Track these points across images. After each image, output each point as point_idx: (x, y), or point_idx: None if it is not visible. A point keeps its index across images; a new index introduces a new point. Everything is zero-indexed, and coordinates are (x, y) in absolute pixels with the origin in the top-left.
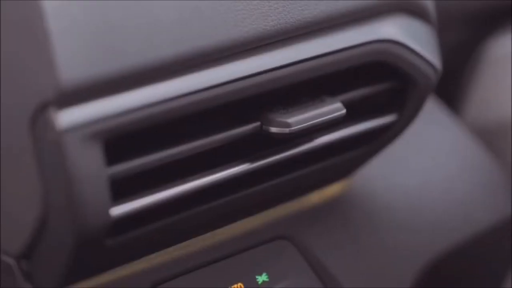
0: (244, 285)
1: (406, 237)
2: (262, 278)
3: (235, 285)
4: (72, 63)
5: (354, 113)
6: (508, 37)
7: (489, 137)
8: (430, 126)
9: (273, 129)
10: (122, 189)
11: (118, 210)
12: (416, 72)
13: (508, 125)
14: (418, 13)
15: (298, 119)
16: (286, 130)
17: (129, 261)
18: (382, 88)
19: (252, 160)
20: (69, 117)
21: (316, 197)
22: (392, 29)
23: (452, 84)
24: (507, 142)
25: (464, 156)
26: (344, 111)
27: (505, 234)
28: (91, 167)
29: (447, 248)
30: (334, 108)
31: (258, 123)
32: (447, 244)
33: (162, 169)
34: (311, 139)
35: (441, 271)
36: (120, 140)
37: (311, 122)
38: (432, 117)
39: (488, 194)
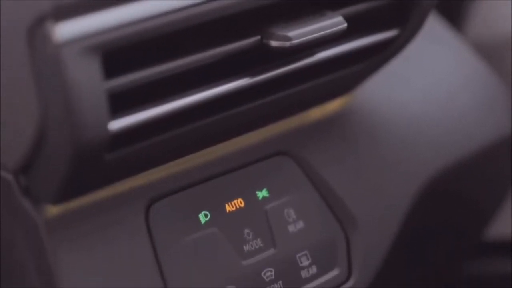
0: (244, 200)
1: (406, 153)
2: (262, 193)
3: (235, 201)
4: None
5: (355, 28)
6: None
7: (490, 53)
8: (432, 43)
9: (274, 43)
10: (122, 104)
11: (117, 124)
12: None
13: (509, 42)
14: None
15: (299, 33)
16: (287, 43)
17: (127, 176)
18: (384, 3)
19: (252, 75)
20: (66, 30)
21: (316, 112)
22: None
23: (453, 1)
24: (507, 58)
25: (465, 72)
26: (345, 25)
27: (505, 150)
28: (89, 80)
29: (448, 164)
30: (335, 22)
31: (258, 37)
32: (448, 160)
33: (162, 85)
34: (311, 53)
35: (441, 188)
36: (119, 55)
37: (311, 36)
38: (433, 34)
39: (489, 110)
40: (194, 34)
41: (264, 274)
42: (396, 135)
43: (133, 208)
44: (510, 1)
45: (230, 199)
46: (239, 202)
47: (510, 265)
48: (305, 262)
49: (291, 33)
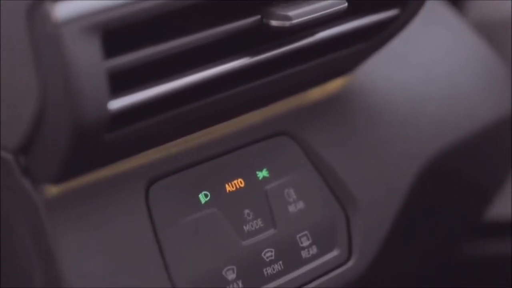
0: (244, 180)
1: (407, 133)
2: (262, 173)
3: (235, 181)
4: None
5: (355, 7)
6: None
7: (491, 34)
8: (432, 23)
9: (274, 22)
10: (122, 84)
11: (116, 104)
12: None
13: (509, 22)
14: None
15: (299, 12)
16: (287, 23)
17: (127, 156)
18: None
19: (252, 54)
20: (65, 9)
21: (317, 93)
22: None
23: None
24: (508, 39)
25: (466, 53)
26: (345, 4)
27: (505, 131)
28: (89, 60)
29: (448, 144)
30: (335, 2)
31: (258, 17)
32: (448, 140)
33: (162, 65)
34: (312, 33)
35: (442, 168)
36: (119, 35)
37: (312, 16)
38: (434, 14)
39: (489, 91)
40: (194, 13)
41: (264, 254)
42: (396, 115)
43: (133, 188)
44: None
45: (230, 179)
46: (239, 182)
47: (510, 246)
48: (305, 243)
49: (291, 13)
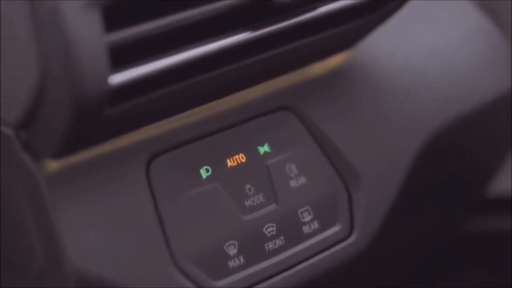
0: (245, 155)
1: (409, 108)
2: (263, 148)
3: (236, 156)
4: None
5: None
6: None
7: (492, 9)
8: None
9: None
10: (123, 59)
11: (117, 78)
12: None
13: None
14: None
15: None
16: None
17: (128, 131)
18: None
19: (253, 29)
20: None
21: (319, 68)
22: None
23: None
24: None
25: (468, 28)
26: None
27: (506, 106)
28: (89, 34)
29: (450, 119)
30: None
31: None
32: (450, 115)
33: (163, 40)
34: (312, 8)
35: (443, 143)
36: (121, 9)
37: None
38: None
39: (491, 66)
40: None
41: (266, 229)
42: (398, 90)
43: (134, 163)
44: None
45: (231, 154)
46: (240, 157)
47: (510, 222)
48: (307, 218)
49: None
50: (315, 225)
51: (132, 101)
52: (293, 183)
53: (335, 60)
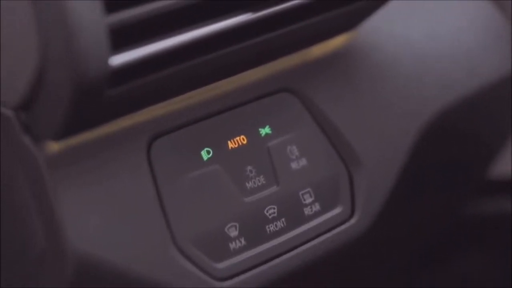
0: (246, 137)
1: (410, 90)
2: (265, 130)
3: (237, 138)
4: None
5: None
6: None
7: None
8: None
9: None
10: (124, 40)
11: (118, 60)
12: None
13: None
14: None
15: None
16: None
17: (129, 113)
18: None
19: (254, 11)
20: None
21: (319, 49)
22: None
23: None
24: None
25: (468, 10)
26: None
27: (507, 88)
28: (89, 15)
29: (451, 102)
30: None
31: None
32: (451, 98)
33: (163, 21)
34: None
35: (444, 126)
36: None
37: None
38: None
39: (492, 48)
40: None
41: (267, 211)
42: (399, 72)
43: (134, 145)
44: None
45: (232, 136)
46: (241, 139)
47: (510, 204)
48: (308, 200)
49: None
50: (316, 207)
51: (132, 83)
52: (294, 165)
53: (336, 42)
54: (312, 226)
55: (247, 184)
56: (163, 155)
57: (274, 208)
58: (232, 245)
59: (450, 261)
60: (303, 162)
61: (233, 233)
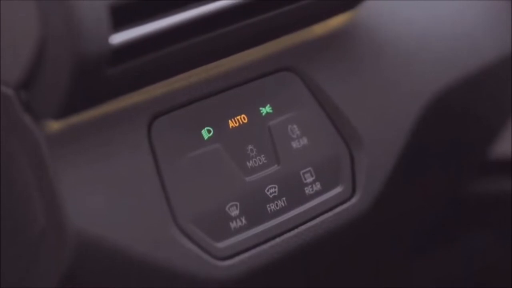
0: (247, 116)
1: (411, 70)
2: (266, 109)
3: (238, 117)
4: None
5: None
6: None
7: None
8: None
9: None
10: (125, 19)
11: (118, 38)
12: None
13: None
14: None
15: None
16: None
17: (129, 92)
18: None
19: None
20: None
21: (320, 28)
22: None
23: None
24: None
25: None
26: None
27: (508, 67)
28: None
29: (452, 81)
30: None
31: None
32: (452, 77)
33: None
34: None
35: (446, 105)
36: None
37: None
38: None
39: (493, 27)
40: None
41: (268, 190)
42: (400, 51)
43: (135, 123)
44: None
45: (233, 115)
46: (242, 118)
47: (511, 184)
48: (309, 179)
49: None
50: (317, 186)
51: (133, 61)
52: (295, 144)
53: (337, 21)
54: (313, 206)
55: (247, 163)
56: (164, 134)
57: (275, 188)
58: (233, 224)
59: (451, 241)
60: (304, 141)
61: (234, 212)
